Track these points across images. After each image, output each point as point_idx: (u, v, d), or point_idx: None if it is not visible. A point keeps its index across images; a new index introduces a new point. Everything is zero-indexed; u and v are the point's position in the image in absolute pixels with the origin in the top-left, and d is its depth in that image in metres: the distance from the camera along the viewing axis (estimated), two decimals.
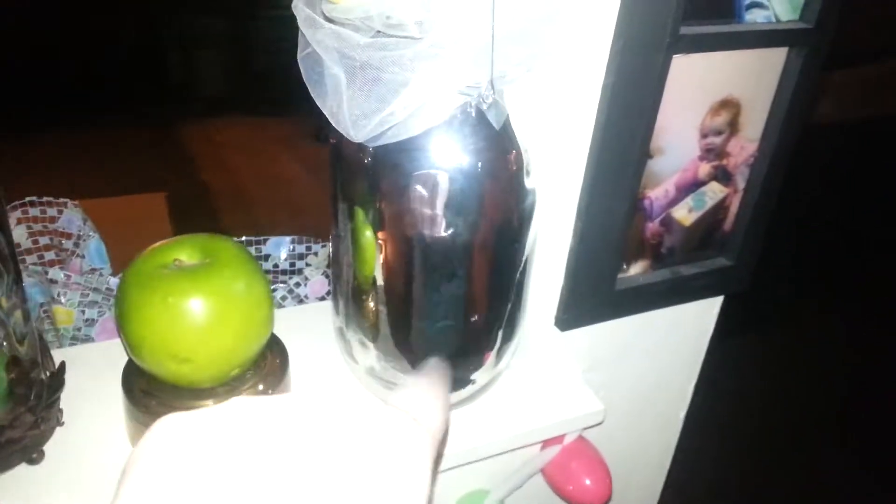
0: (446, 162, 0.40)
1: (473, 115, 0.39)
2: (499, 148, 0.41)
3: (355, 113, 0.38)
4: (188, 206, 2.08)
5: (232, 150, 2.78)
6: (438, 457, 0.22)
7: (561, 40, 0.41)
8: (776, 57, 0.46)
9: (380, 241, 0.44)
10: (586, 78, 0.41)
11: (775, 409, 1.72)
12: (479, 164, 0.40)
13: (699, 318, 0.61)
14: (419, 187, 0.41)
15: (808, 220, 2.22)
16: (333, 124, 0.40)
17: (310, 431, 0.19)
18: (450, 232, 0.42)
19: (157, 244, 0.42)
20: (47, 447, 0.44)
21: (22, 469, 0.43)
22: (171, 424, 0.19)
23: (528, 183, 0.43)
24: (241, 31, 3.07)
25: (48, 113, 2.66)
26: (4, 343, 0.40)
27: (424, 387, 0.25)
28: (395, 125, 0.38)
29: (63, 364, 0.45)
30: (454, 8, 0.35)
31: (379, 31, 0.37)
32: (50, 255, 0.68)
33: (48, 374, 0.44)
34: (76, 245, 0.66)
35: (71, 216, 0.67)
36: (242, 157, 2.74)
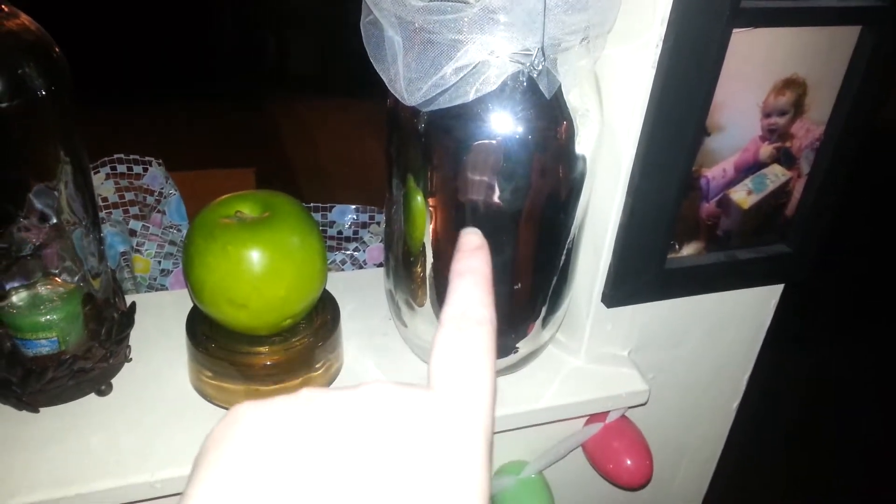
0: (498, 130, 0.41)
1: (525, 83, 0.40)
2: (549, 118, 0.41)
3: (409, 76, 0.39)
4: (273, 182, 2.16)
5: (318, 129, 2.85)
6: (491, 444, 0.21)
7: (616, 8, 0.41)
8: (847, 36, 0.44)
9: (430, 208, 0.45)
10: (642, 49, 0.41)
11: (836, 415, 1.65)
12: (530, 134, 0.41)
13: (757, 307, 0.59)
14: (470, 154, 0.42)
15: (877, 220, 2.09)
16: (389, 88, 0.42)
17: (368, 431, 0.19)
18: (498, 200, 0.43)
19: (223, 197, 0.45)
20: (115, 380, 0.48)
21: (92, 399, 0.47)
22: (248, 412, 0.20)
23: (579, 154, 0.44)
24: (333, 11, 3.14)
25: (145, 86, 2.80)
26: (81, 282, 0.44)
27: (470, 356, 0.22)
28: (447, 90, 0.39)
29: (133, 304, 0.49)
30: None
31: None
32: (134, 210, 0.72)
33: (120, 312, 0.47)
34: (157, 201, 0.71)
35: (155, 174, 0.71)
36: (328, 136, 2.81)
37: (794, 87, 0.45)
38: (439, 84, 0.39)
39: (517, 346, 0.50)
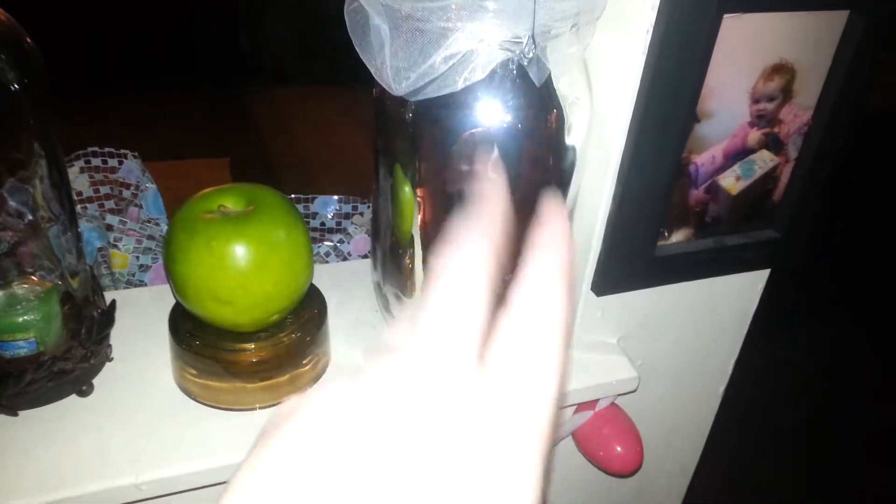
0: (487, 119, 0.40)
1: (515, 71, 0.39)
2: (539, 106, 0.41)
3: (396, 65, 0.38)
4: (250, 172, 2.13)
5: (296, 118, 2.82)
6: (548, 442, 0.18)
7: None
8: (835, 20, 0.44)
9: (418, 198, 0.45)
10: (632, 35, 0.40)
11: (820, 396, 1.67)
12: (520, 123, 0.40)
13: (743, 292, 0.59)
14: (459, 144, 0.41)
15: (861, 203, 2.12)
16: (376, 77, 0.41)
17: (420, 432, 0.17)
18: None
19: (205, 191, 0.44)
20: (97, 381, 0.47)
21: (73, 400, 0.46)
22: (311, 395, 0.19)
23: (569, 142, 0.43)
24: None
25: (116, 76, 2.74)
26: (59, 280, 0.43)
27: (532, 332, 0.19)
28: (435, 79, 0.38)
29: (114, 302, 0.48)
30: None
31: None
32: (110, 204, 0.70)
33: (99, 311, 0.46)
34: (134, 195, 0.69)
35: (131, 167, 0.69)
36: (306, 125, 2.78)
37: (783, 73, 0.45)
38: (428, 73, 0.38)
39: None
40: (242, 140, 2.56)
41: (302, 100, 2.97)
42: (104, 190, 0.70)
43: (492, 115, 0.40)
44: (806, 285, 1.69)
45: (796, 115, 0.48)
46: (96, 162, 0.70)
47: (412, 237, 0.46)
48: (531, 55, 0.37)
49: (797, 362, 1.73)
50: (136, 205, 0.67)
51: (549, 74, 0.40)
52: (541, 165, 0.42)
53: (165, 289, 0.51)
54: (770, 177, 0.51)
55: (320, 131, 2.74)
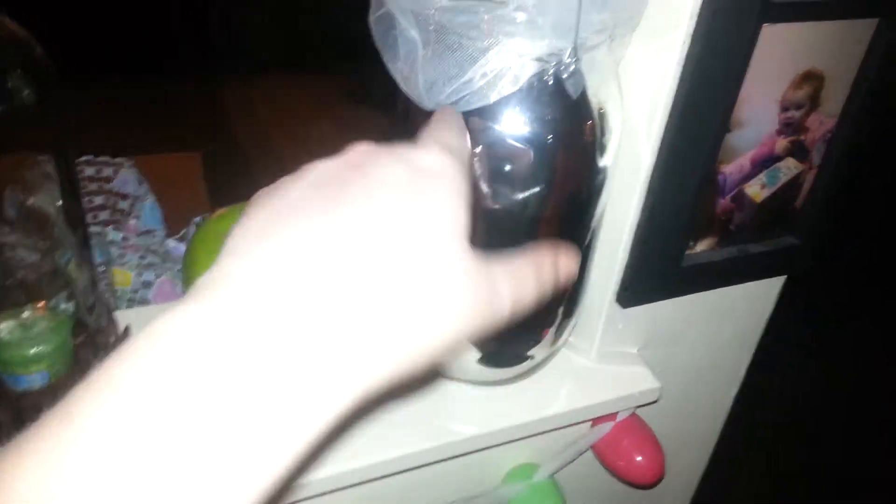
0: (521, 132, 0.39)
1: (550, 83, 0.38)
2: (574, 118, 0.39)
3: (429, 79, 0.37)
4: (223, 163, 2.08)
5: (269, 108, 2.76)
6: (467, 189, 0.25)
7: (644, 5, 0.39)
8: (864, 28, 0.44)
9: None
10: (668, 46, 0.39)
11: (826, 397, 1.69)
12: (554, 135, 0.39)
13: (761, 297, 0.59)
14: (492, 158, 0.39)
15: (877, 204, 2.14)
16: (404, 89, 0.39)
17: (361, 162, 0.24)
18: (517, 203, 0.41)
19: (226, 209, 0.42)
20: None
21: None
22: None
23: (601, 155, 0.42)
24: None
25: (81, 66, 2.66)
26: (72, 309, 0.40)
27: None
28: (470, 92, 0.37)
29: (128, 329, 0.45)
30: None
31: None
32: (104, 215, 0.68)
33: (113, 338, 0.44)
34: (131, 206, 0.66)
35: (126, 176, 0.67)
36: (279, 115, 2.72)
37: (812, 81, 0.45)
38: (463, 89, 0.36)
39: (530, 353, 0.49)
40: (212, 132, 2.49)
41: (272, 88, 2.91)
42: (98, 200, 0.68)
43: (526, 127, 0.39)
44: (821, 290, 1.71)
45: (822, 123, 0.48)
46: (90, 171, 0.67)
47: None
48: (572, 68, 0.36)
49: (810, 367, 1.75)
50: (133, 216, 0.65)
51: (585, 87, 0.38)
52: (575, 178, 0.41)
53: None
54: (794, 184, 0.50)
55: (290, 119, 2.69)
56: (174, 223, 0.79)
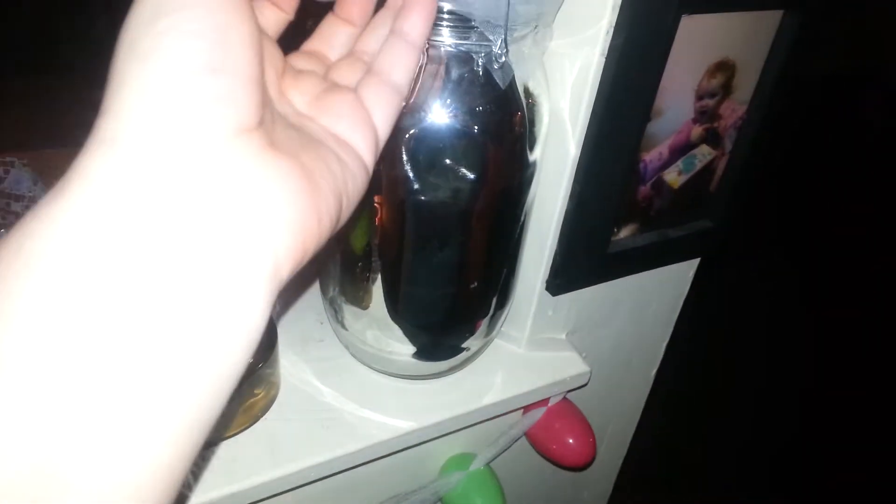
0: (449, 122, 0.38)
1: (480, 74, 0.38)
2: (504, 109, 0.39)
3: None
4: None
5: None
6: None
7: None
8: (772, 19, 0.46)
9: (376, 205, 0.42)
10: (591, 36, 0.40)
11: (741, 366, 1.78)
12: (484, 126, 0.39)
13: (678, 278, 0.61)
14: (420, 149, 0.39)
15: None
16: None
17: None
18: (448, 196, 0.41)
19: None
20: None
21: None
22: None
23: (531, 147, 0.42)
24: None
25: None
26: None
27: None
28: None
29: None
30: None
31: None
32: None
33: None
34: (26, 208, 0.62)
35: (19, 176, 0.62)
36: None
37: (725, 70, 0.46)
38: None
39: (465, 345, 0.49)
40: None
41: None
42: None
43: (455, 118, 0.38)
44: (735, 271, 1.78)
45: (734, 111, 0.50)
46: None
47: (369, 245, 0.44)
48: (502, 60, 0.36)
49: (723, 344, 1.83)
50: None
51: (513, 77, 0.38)
52: (504, 170, 0.41)
53: None
54: (708, 170, 0.52)
55: None
56: None
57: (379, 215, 0.42)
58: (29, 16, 2.68)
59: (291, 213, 0.21)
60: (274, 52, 0.26)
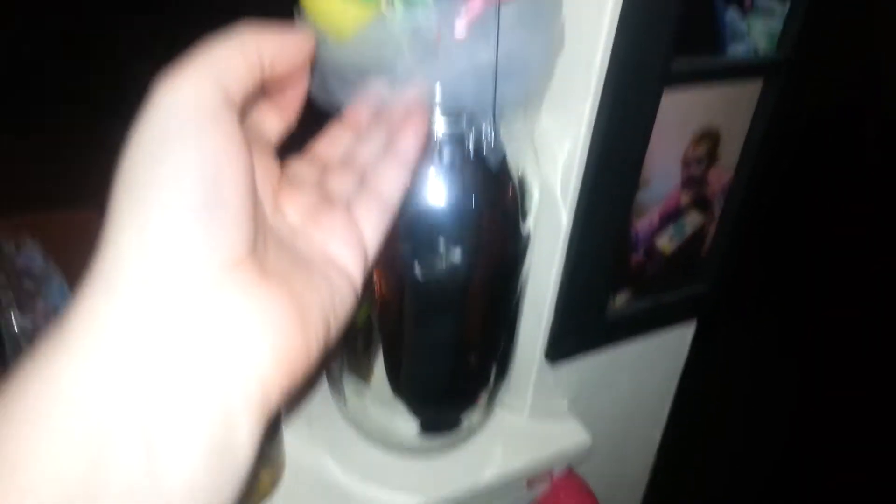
0: (442, 199, 0.40)
1: (472, 155, 0.39)
2: (496, 187, 0.41)
3: None
4: None
5: None
6: None
7: (550, 75, 0.41)
8: (752, 88, 0.47)
9: (375, 279, 0.43)
10: (577, 111, 0.42)
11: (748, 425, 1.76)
12: (478, 204, 0.40)
13: (676, 340, 0.62)
14: (417, 225, 0.40)
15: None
16: None
17: None
18: (445, 272, 0.42)
19: None
20: None
21: None
22: None
23: (524, 220, 0.43)
24: (174, 38, 2.97)
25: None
26: None
27: None
28: None
29: None
30: (457, 49, 0.34)
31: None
32: (7, 296, 0.64)
33: None
34: (38, 286, 0.63)
35: (31, 254, 0.63)
36: None
37: (709, 138, 0.48)
38: None
39: (468, 418, 0.49)
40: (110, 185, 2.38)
41: None
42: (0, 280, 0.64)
43: (448, 194, 0.40)
44: (731, 331, 1.78)
45: (720, 176, 0.51)
46: None
47: (369, 320, 0.45)
48: (491, 142, 0.37)
49: (726, 401, 1.81)
50: (40, 296, 0.61)
51: (504, 156, 0.40)
52: (498, 243, 0.42)
53: None
54: (698, 235, 0.53)
55: None
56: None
57: (378, 290, 0.43)
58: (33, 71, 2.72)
59: (279, 342, 0.22)
60: (271, 165, 0.28)
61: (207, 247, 0.21)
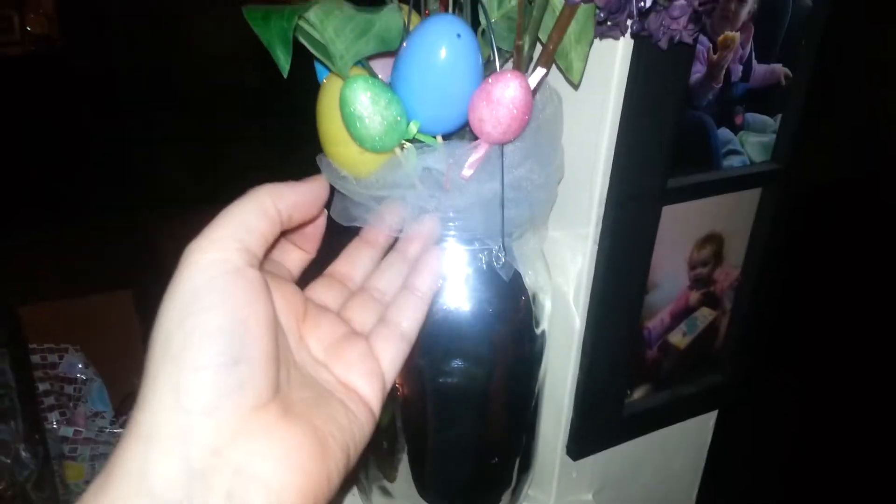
0: (459, 309, 0.42)
1: (485, 271, 0.42)
2: (509, 298, 0.43)
3: None
4: (155, 301, 2.02)
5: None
6: None
7: (554, 198, 0.44)
8: (752, 195, 0.50)
9: (397, 386, 0.46)
10: (582, 228, 0.44)
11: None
12: (492, 314, 0.43)
13: (698, 430, 0.62)
14: (433, 338, 0.43)
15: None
16: None
17: None
18: (464, 378, 0.44)
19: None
20: None
21: None
22: None
23: (538, 326, 0.46)
24: (203, 123, 3.09)
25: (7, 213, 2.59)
26: None
27: None
28: None
29: None
30: (464, 185, 0.37)
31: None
32: (50, 400, 0.67)
33: None
34: (78, 391, 0.66)
35: (72, 360, 0.67)
36: None
37: (713, 242, 0.50)
38: None
39: None
40: (142, 268, 2.45)
41: (202, 222, 2.90)
42: (43, 387, 0.67)
43: (465, 305, 0.42)
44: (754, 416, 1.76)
45: (728, 274, 0.53)
46: (35, 359, 0.67)
47: (393, 421, 0.47)
48: (502, 259, 0.40)
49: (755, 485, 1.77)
50: (81, 401, 0.65)
51: (515, 270, 0.43)
52: (515, 352, 0.45)
53: None
54: (711, 328, 0.55)
55: None
56: (108, 375, 0.77)
57: (401, 393, 0.46)
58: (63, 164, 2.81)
59: (301, 478, 0.24)
60: (295, 295, 0.31)
61: (235, 397, 0.23)
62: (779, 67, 0.47)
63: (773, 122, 0.48)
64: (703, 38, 0.42)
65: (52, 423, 0.64)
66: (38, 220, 2.59)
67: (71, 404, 0.67)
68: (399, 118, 0.35)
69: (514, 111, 0.33)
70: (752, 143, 0.47)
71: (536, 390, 0.48)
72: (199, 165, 3.11)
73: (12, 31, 2.95)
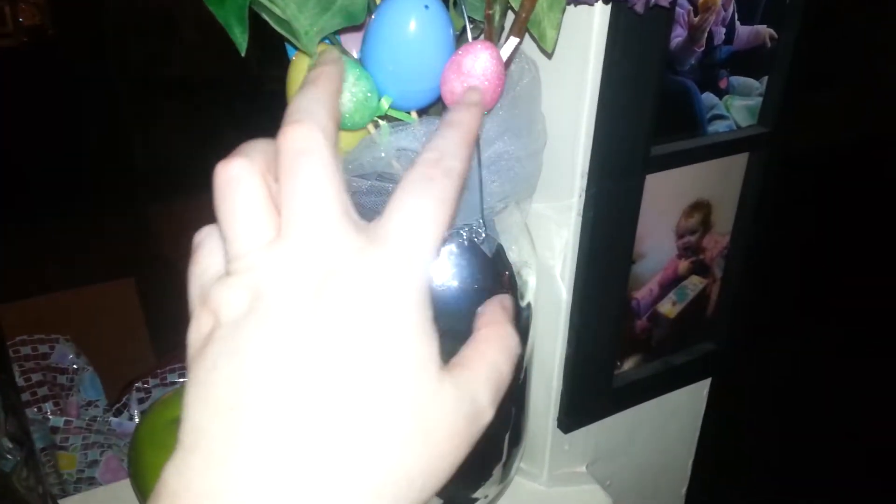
0: (442, 286, 0.42)
1: (466, 244, 0.41)
2: (492, 272, 0.43)
3: None
4: (158, 289, 2.02)
5: (198, 228, 2.73)
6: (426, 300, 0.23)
7: (538, 172, 0.43)
8: (739, 160, 0.49)
9: None
10: (566, 200, 0.44)
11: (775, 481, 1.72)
12: (476, 289, 0.42)
13: (692, 398, 0.62)
14: None
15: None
16: None
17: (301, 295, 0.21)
18: (451, 355, 0.43)
19: (165, 396, 0.43)
20: None
21: None
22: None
23: (522, 300, 0.45)
24: (200, 112, 3.07)
25: (7, 205, 2.60)
26: None
27: (427, 207, 0.23)
28: None
29: None
30: None
31: (380, 176, 0.39)
32: (43, 391, 0.67)
33: None
34: (70, 380, 0.66)
35: (63, 351, 0.67)
36: None
37: (701, 209, 0.50)
38: None
39: (481, 493, 0.50)
40: (144, 253, 2.45)
41: (204, 209, 2.89)
42: (36, 377, 0.67)
43: (448, 281, 0.42)
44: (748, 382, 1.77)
45: (716, 242, 0.52)
46: (26, 350, 0.67)
47: None
48: (483, 235, 0.40)
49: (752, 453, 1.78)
50: (74, 391, 0.65)
51: (499, 244, 0.42)
52: None
53: (121, 485, 0.48)
54: (702, 297, 0.55)
55: None
56: (112, 363, 0.77)
57: None
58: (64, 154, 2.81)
59: None
60: None
61: None
62: (763, 28, 0.46)
63: (758, 85, 0.47)
64: (683, 0, 0.41)
65: (45, 413, 0.64)
66: (36, 211, 2.58)
67: (64, 394, 0.67)
68: (369, 94, 0.34)
69: (486, 83, 0.32)
70: (737, 107, 0.46)
71: (524, 364, 0.48)
72: (198, 153, 3.08)
73: (4, 23, 2.91)
